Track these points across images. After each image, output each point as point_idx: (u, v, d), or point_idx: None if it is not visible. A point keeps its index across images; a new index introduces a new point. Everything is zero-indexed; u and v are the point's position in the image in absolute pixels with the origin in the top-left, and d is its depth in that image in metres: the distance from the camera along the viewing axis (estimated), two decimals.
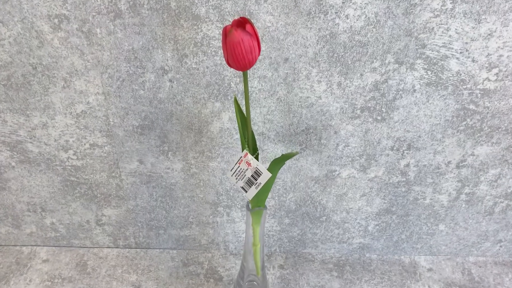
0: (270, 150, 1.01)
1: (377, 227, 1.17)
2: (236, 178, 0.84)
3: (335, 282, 1.16)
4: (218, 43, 0.86)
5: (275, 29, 0.84)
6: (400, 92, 0.92)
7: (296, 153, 0.75)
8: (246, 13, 0.82)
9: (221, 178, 1.07)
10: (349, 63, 0.88)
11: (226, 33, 0.68)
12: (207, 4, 0.81)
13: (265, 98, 0.93)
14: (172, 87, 0.92)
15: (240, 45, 0.67)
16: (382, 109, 0.94)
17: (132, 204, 1.13)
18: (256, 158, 0.82)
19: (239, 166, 0.82)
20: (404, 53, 0.86)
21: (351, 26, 0.83)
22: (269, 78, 0.90)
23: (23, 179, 1.08)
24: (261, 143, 1.00)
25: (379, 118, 0.96)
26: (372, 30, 0.84)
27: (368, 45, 0.85)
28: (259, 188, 0.82)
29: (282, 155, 0.77)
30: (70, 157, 1.04)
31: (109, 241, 1.23)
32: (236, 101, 0.78)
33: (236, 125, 0.97)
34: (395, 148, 1.01)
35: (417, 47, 0.85)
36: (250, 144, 0.80)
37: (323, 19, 0.82)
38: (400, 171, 1.05)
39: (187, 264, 1.21)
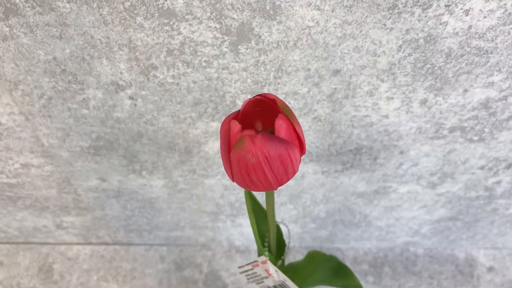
0: None
1: (433, 229, 0.87)
2: (248, 279, 0.52)
3: None
4: (213, 51, 0.46)
5: (321, 30, 0.43)
6: None
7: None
8: (267, 7, 0.41)
9: (222, 193, 0.74)
10: (450, 76, 0.49)
11: (229, 139, 0.30)
12: None
13: None
14: (135, 105, 0.54)
15: (262, 167, 0.30)
16: (485, 129, 0.57)
17: (99, 213, 0.81)
18: (282, 266, 0.49)
19: (252, 269, 0.50)
20: None
21: (470, 26, 0.43)
22: (303, 95, 0.52)
23: None
24: None
25: (475, 138, 0.59)
26: (509, 31, 0.43)
27: (492, 53, 0.46)
28: None
29: (332, 260, 0.45)
30: None
31: (78, 239, 0.94)
32: (248, 195, 0.42)
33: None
34: (487, 167, 0.66)
35: None
36: (272, 248, 0.46)
37: (419, 16, 0.42)
38: (484, 187, 0.71)
39: (181, 266, 0.94)
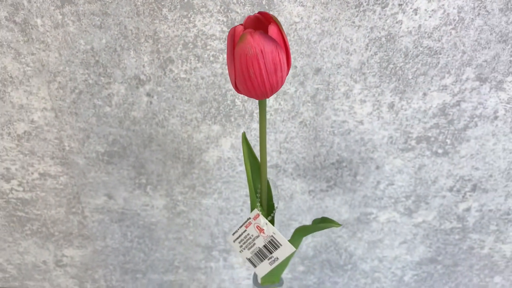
0: (286, 186, 0.74)
1: (416, 277, 0.91)
2: (241, 246, 0.57)
3: None
4: (220, 45, 0.58)
5: (305, 26, 0.56)
6: (476, 119, 0.65)
7: (338, 225, 0.48)
8: (264, 2, 0.54)
9: (217, 218, 0.80)
10: (410, 77, 0.60)
11: (234, 39, 0.41)
12: None
13: (283, 121, 0.66)
14: (151, 103, 0.64)
15: (258, 60, 0.39)
16: (447, 140, 0.67)
17: (100, 244, 0.86)
18: (272, 220, 0.55)
19: (245, 231, 0.56)
20: (492, 66, 0.59)
21: (419, 26, 0.56)
22: (291, 95, 0.63)
23: None
24: (274, 177, 0.73)
25: (440, 151, 0.69)
26: (451, 32, 0.56)
27: (440, 54, 0.58)
28: (274, 265, 0.56)
29: (315, 223, 0.51)
30: (15, 188, 0.76)
31: (74, 283, 0.96)
32: (245, 140, 0.51)
33: (241, 154, 0.70)
34: (455, 188, 0.74)
35: None
36: (263, 201, 0.53)
37: (379, 14, 0.55)
38: (457, 216, 0.78)
39: None
